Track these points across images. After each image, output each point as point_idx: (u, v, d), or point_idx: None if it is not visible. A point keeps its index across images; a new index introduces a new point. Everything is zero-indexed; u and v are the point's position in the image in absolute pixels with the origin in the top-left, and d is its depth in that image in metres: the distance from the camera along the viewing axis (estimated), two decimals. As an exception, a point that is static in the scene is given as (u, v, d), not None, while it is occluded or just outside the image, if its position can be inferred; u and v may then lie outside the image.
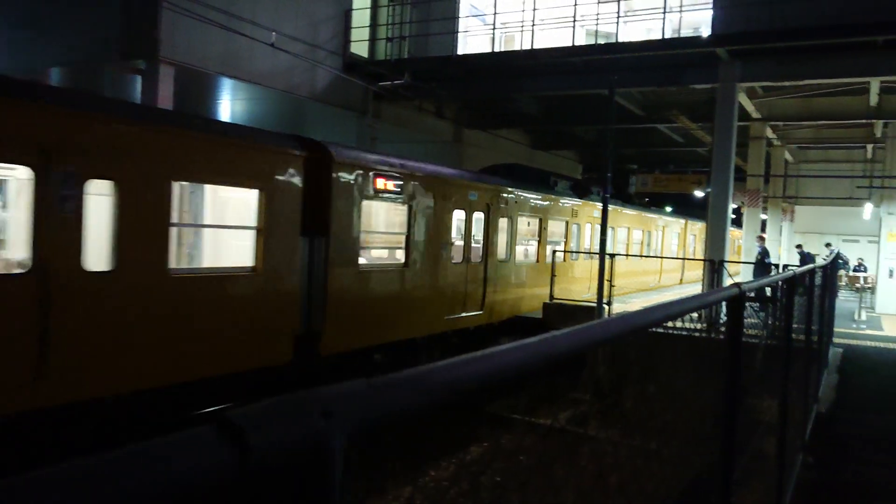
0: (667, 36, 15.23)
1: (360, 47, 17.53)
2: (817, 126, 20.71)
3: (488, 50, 17.42)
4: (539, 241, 15.87)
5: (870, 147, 21.84)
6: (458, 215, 12.86)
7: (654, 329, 1.80)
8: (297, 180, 9.19)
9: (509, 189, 14.43)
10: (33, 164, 6.34)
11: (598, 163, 21.72)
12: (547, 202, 16.25)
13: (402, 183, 11.05)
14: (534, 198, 15.59)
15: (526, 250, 15.78)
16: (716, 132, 14.58)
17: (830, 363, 11.29)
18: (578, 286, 16.74)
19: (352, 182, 10.11)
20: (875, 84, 14.76)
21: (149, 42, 12.39)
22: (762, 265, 16.70)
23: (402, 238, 11.45)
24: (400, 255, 11.65)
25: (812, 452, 6.70)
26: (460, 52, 18.69)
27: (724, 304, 2.74)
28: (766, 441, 4.48)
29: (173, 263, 7.86)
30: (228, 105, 18.08)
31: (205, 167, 8.12)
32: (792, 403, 5.09)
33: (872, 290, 21.65)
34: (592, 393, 11.15)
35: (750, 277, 15.76)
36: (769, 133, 20.39)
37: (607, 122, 12.96)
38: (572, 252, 17.14)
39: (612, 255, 14.31)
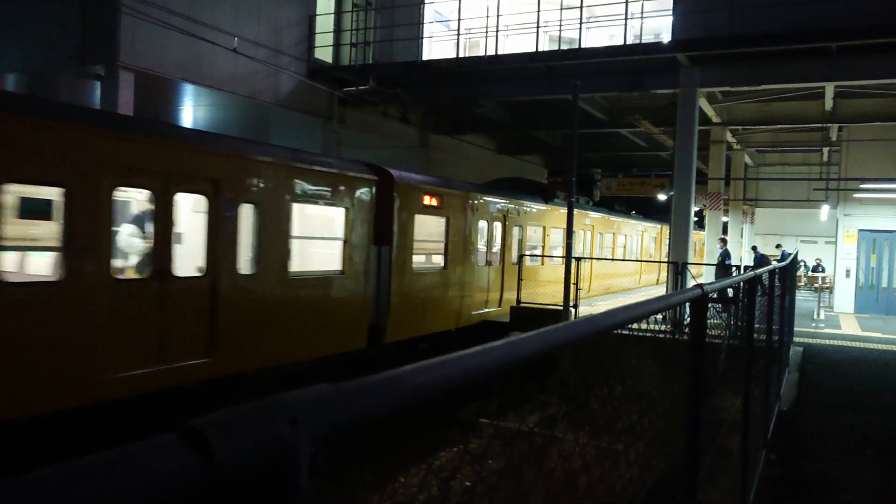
0: (628, 42, 15.42)
1: (324, 53, 17.42)
2: (775, 130, 21.16)
3: (453, 55, 17.46)
4: (542, 246, 17.58)
5: (826, 150, 22.36)
6: (482, 225, 14.76)
7: (619, 331, 1.81)
8: (369, 199, 11.20)
9: (519, 201, 16.31)
10: (208, 193, 8.27)
11: (563, 167, 21.91)
12: (547, 211, 17.81)
13: (441, 199, 13.07)
14: (538, 207, 17.38)
15: (532, 255, 17.13)
16: (677, 136, 14.79)
17: (791, 362, 11.52)
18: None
19: (407, 199, 12.02)
20: (830, 89, 15.12)
21: (108, 47, 12.17)
22: (724, 267, 17.02)
23: (442, 245, 13.36)
24: (439, 260, 13.51)
25: (775, 449, 6.82)
26: (425, 57, 18.70)
27: (687, 305, 2.77)
28: (731, 439, 4.55)
29: (291, 268, 9.69)
30: (191, 111, 17.81)
31: (313, 192, 10.09)
32: (754, 402, 5.18)
33: (830, 289, 22.14)
34: (560, 396, 11.26)
35: (712, 279, 16.03)
36: (729, 137, 20.77)
37: (571, 127, 13.06)
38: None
39: (578, 259, 14.51)
